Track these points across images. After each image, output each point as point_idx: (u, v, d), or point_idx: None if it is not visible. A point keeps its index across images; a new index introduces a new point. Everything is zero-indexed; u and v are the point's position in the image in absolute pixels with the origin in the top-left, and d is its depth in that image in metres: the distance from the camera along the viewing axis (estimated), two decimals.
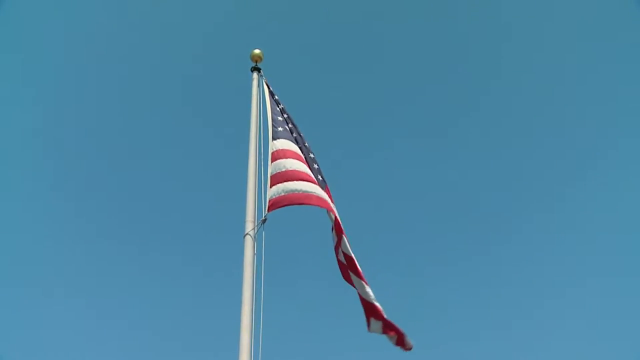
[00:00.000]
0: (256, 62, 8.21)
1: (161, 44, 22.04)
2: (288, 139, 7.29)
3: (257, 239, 6.44)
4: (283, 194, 6.61)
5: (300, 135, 7.62)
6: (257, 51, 8.27)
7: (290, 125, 7.61)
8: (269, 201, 6.56)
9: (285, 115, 7.75)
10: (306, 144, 7.59)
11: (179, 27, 22.17)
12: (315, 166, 7.37)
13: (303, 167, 6.99)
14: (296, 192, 6.66)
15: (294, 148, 7.23)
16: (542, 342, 17.14)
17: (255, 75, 8.08)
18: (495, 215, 21.28)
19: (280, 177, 6.75)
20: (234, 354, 5.63)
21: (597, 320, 17.09)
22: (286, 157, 6.98)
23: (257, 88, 7.92)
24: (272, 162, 6.90)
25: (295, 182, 6.74)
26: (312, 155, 7.52)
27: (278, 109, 7.75)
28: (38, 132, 19.54)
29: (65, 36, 20.28)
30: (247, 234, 6.42)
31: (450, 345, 17.27)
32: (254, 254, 6.32)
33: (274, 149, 7.05)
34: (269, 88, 7.98)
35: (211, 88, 22.14)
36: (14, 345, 14.90)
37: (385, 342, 6.98)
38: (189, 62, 22.43)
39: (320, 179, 7.27)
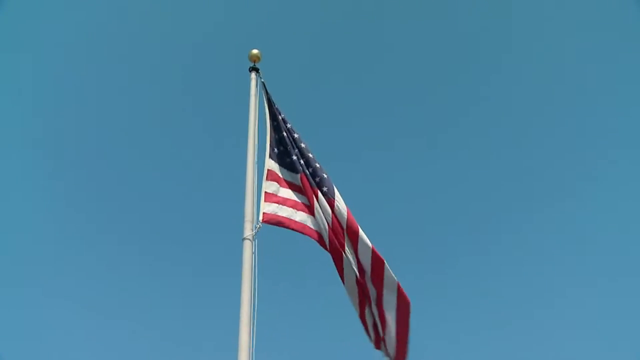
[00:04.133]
0: (254, 62, 8.16)
1: (159, 44, 22.03)
2: (282, 165, 7.31)
3: (255, 239, 6.47)
4: (281, 215, 6.81)
5: (299, 146, 7.51)
6: (255, 51, 8.22)
7: (290, 140, 7.49)
8: (265, 214, 6.70)
9: (288, 126, 7.65)
10: (308, 153, 7.46)
11: (176, 28, 22.17)
12: (318, 165, 7.34)
13: (295, 196, 7.12)
14: (293, 218, 6.88)
15: (289, 177, 7.25)
16: (542, 343, 17.18)
17: (253, 75, 8.05)
18: (493, 215, 21.35)
19: (276, 200, 6.92)
20: (233, 353, 5.66)
21: (597, 321, 17.15)
22: (280, 185, 7.09)
23: (255, 88, 7.91)
24: (266, 179, 6.98)
25: (292, 209, 6.94)
26: (311, 155, 7.44)
27: (278, 120, 7.66)
28: (38, 132, 19.57)
29: (65, 36, 20.33)
30: (246, 237, 6.44)
31: (450, 344, 17.31)
32: (253, 254, 6.35)
33: (270, 168, 7.12)
34: (267, 94, 7.91)
35: (209, 88, 22.14)
36: (14, 345, 14.92)
37: None
38: (186, 62, 22.43)
39: (318, 180, 7.22)
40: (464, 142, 22.40)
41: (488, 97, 22.45)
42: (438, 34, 22.90)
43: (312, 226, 6.95)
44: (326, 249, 6.91)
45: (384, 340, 6.71)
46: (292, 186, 7.20)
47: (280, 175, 7.22)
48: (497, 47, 22.55)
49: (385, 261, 6.60)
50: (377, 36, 23.18)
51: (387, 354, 6.71)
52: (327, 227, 6.87)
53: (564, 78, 21.48)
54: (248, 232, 6.47)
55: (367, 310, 6.93)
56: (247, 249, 6.36)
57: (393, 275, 6.60)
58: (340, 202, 6.97)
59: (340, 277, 6.97)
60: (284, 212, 6.86)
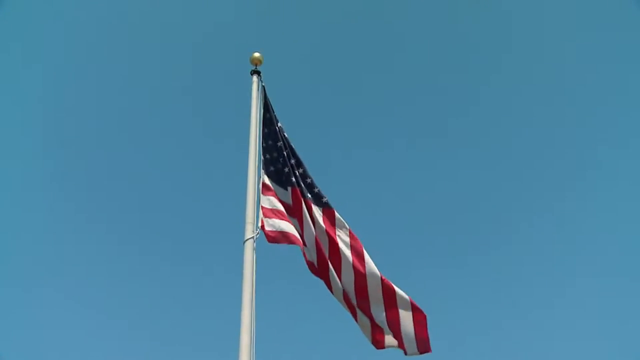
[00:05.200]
0: (256, 65, 8.19)
1: (160, 46, 22.06)
2: (274, 181, 7.30)
3: (256, 241, 6.50)
4: (282, 231, 6.78)
5: (293, 159, 7.50)
6: (256, 54, 8.25)
7: (286, 151, 7.47)
8: (268, 231, 6.68)
9: (285, 135, 7.64)
10: (303, 166, 7.50)
11: (178, 30, 22.20)
12: (309, 180, 7.39)
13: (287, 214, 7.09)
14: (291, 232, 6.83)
15: (280, 194, 7.25)
16: (542, 343, 17.22)
17: (255, 78, 8.06)
18: (492, 215, 21.38)
19: (276, 214, 6.90)
20: (234, 355, 5.70)
21: (597, 321, 17.18)
22: (274, 197, 7.09)
23: (257, 92, 7.92)
24: (262, 193, 6.98)
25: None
26: (301, 170, 7.45)
27: (274, 128, 7.66)
28: (38, 132, 19.60)
29: (65, 37, 20.34)
30: (247, 239, 6.48)
31: (450, 344, 17.35)
32: (254, 256, 6.39)
33: (264, 181, 7.12)
34: (266, 99, 7.91)
35: (211, 91, 22.15)
36: (14, 345, 14.96)
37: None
38: (188, 65, 22.45)
39: (314, 194, 7.30)
40: (463, 142, 22.47)
41: (488, 97, 22.51)
42: (438, 35, 22.95)
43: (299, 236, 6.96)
44: (313, 265, 7.00)
45: (399, 339, 6.96)
46: (283, 203, 7.14)
47: (272, 187, 7.18)
48: (497, 47, 22.60)
49: (395, 287, 6.97)
50: (377, 37, 23.24)
51: (404, 348, 6.99)
52: (314, 240, 6.93)
53: (564, 78, 21.54)
54: (249, 234, 6.51)
55: (359, 316, 7.08)
56: (248, 250, 6.40)
57: (405, 295, 6.99)
58: (343, 229, 7.12)
59: (328, 287, 7.05)
60: (282, 227, 6.82)
